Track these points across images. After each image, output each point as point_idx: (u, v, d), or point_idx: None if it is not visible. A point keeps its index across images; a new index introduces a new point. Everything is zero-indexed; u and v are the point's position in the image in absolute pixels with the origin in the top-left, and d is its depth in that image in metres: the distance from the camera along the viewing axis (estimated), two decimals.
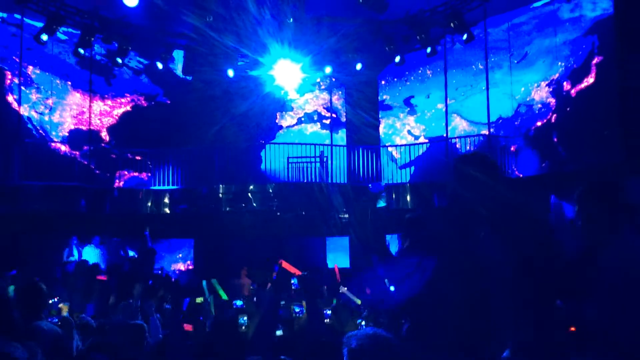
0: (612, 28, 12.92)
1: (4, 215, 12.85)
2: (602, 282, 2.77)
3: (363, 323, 7.36)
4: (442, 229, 3.13)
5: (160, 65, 15.81)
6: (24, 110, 15.33)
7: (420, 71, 17.07)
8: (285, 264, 12.22)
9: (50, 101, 15.98)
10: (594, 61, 13.50)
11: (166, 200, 15.45)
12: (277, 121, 17.85)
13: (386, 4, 13.40)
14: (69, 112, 16.25)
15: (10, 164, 13.99)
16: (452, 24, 13.91)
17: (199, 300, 8.41)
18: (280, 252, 14.11)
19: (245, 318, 8.75)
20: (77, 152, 15.96)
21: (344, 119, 17.74)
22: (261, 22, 14.32)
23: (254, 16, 14.13)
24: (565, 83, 14.10)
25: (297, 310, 8.04)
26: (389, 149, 17.22)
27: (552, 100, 14.41)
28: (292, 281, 12.24)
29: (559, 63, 14.28)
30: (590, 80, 13.54)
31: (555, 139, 14.17)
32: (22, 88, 15.10)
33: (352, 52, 15.51)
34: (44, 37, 13.83)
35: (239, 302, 12.17)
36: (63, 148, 15.91)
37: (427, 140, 16.76)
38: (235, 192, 15.21)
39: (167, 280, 12.90)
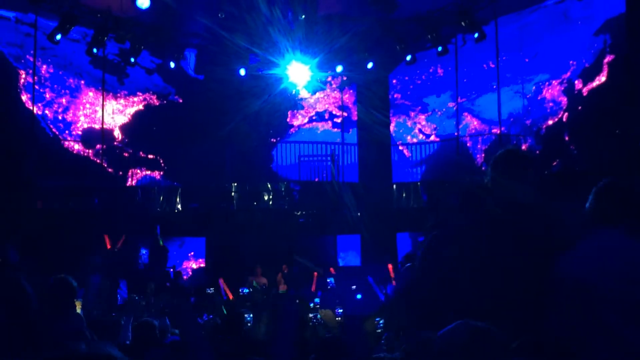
0: (624, 26, 12.86)
1: (19, 213, 12.94)
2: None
3: (381, 321, 7.41)
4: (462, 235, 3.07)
5: (172, 65, 15.88)
6: (38, 109, 15.47)
7: (431, 70, 17.06)
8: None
9: (63, 100, 16.11)
10: (606, 60, 13.46)
11: (178, 198, 15.53)
12: (288, 120, 17.89)
13: (396, 4, 13.39)
14: (82, 110, 16.38)
15: (25, 163, 14.12)
16: (463, 23, 13.90)
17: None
18: (292, 250, 14.19)
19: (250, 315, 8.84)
20: (90, 151, 16.09)
21: (355, 118, 17.75)
22: (272, 21, 14.35)
23: (265, 15, 14.15)
24: (576, 82, 14.07)
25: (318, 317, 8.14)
26: (400, 147, 17.23)
27: (564, 99, 14.38)
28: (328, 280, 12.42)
29: (571, 62, 14.25)
30: (602, 79, 13.51)
31: (567, 138, 14.14)
32: (36, 87, 15.22)
33: (363, 51, 15.50)
34: (58, 36, 13.93)
35: (245, 290, 12.26)
36: (76, 147, 16.04)
37: (438, 139, 16.77)
38: (247, 191, 15.29)
39: (176, 281, 13.04)
